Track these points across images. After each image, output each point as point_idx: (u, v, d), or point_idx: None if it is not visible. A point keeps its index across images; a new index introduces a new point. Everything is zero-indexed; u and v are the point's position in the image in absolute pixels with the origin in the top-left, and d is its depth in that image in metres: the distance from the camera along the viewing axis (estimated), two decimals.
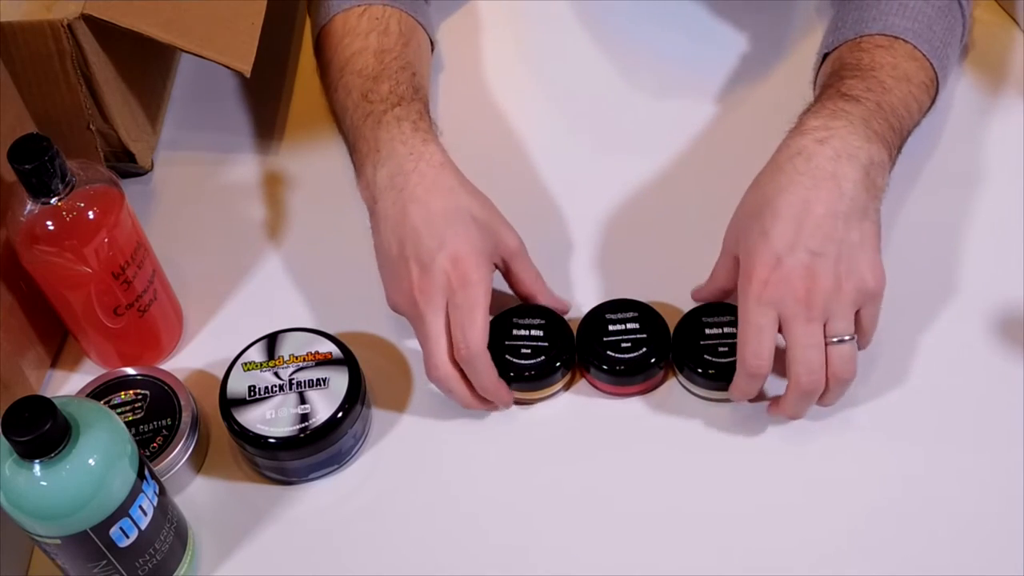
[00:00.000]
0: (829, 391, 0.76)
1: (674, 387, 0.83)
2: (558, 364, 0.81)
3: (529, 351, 0.81)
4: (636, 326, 0.81)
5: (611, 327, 0.82)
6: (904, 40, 0.85)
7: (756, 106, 0.99)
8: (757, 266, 0.74)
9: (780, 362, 0.76)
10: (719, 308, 0.82)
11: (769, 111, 0.97)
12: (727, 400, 0.81)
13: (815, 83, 0.91)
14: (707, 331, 0.81)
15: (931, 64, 0.85)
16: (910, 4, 0.86)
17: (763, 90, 1.00)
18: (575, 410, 0.83)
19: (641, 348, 0.81)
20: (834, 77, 0.84)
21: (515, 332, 0.82)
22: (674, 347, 0.81)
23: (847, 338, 0.74)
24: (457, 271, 0.77)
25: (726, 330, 0.81)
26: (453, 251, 0.78)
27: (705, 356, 0.80)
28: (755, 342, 0.75)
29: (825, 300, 0.74)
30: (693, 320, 0.82)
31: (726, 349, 0.80)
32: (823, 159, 0.76)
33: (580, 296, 0.86)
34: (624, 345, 0.81)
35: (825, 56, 0.89)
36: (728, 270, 0.80)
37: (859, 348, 0.76)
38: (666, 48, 1.03)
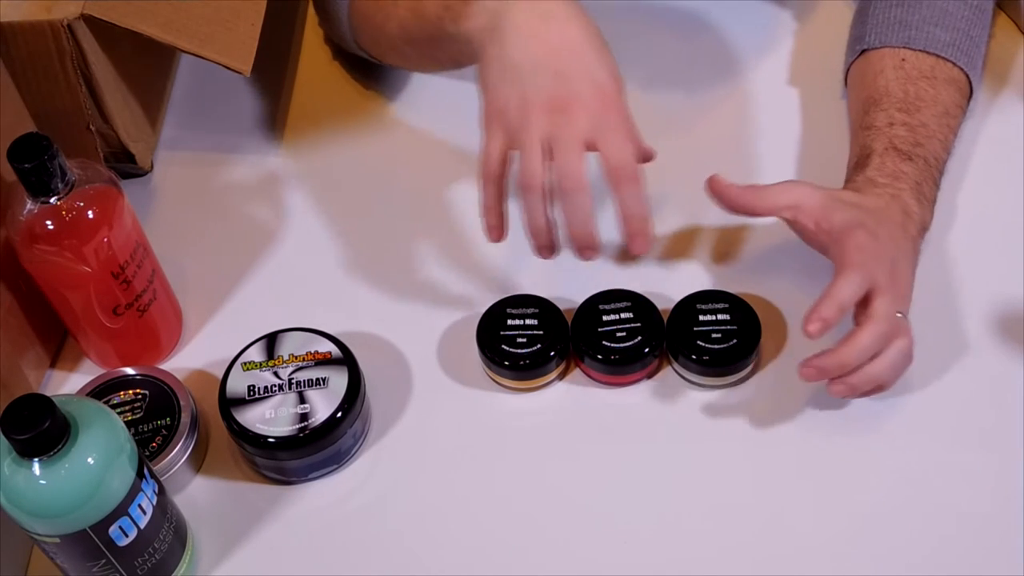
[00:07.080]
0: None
1: (669, 375, 0.83)
2: (553, 353, 0.81)
3: (524, 340, 0.81)
4: (630, 315, 0.82)
5: (605, 317, 0.82)
6: (945, 59, 0.88)
7: (747, 99, 0.99)
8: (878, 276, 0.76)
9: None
10: (712, 295, 0.83)
11: (760, 104, 0.98)
12: (722, 387, 0.82)
13: (846, 75, 0.93)
14: (701, 318, 0.81)
15: (968, 78, 0.89)
16: (949, 7, 0.90)
17: (754, 83, 1.00)
18: (571, 399, 0.83)
19: (636, 337, 0.81)
20: (882, 114, 0.86)
21: (509, 322, 0.82)
22: (668, 335, 0.82)
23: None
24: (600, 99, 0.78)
25: (719, 317, 0.81)
26: (600, 79, 0.78)
27: (699, 343, 0.80)
28: (845, 297, 0.75)
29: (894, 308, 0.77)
30: (687, 308, 0.82)
31: (720, 335, 0.80)
32: (897, 212, 0.81)
33: (574, 287, 0.86)
34: (619, 335, 0.81)
35: (862, 50, 0.91)
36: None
37: (883, 384, 0.78)
38: (655, 40, 1.03)
